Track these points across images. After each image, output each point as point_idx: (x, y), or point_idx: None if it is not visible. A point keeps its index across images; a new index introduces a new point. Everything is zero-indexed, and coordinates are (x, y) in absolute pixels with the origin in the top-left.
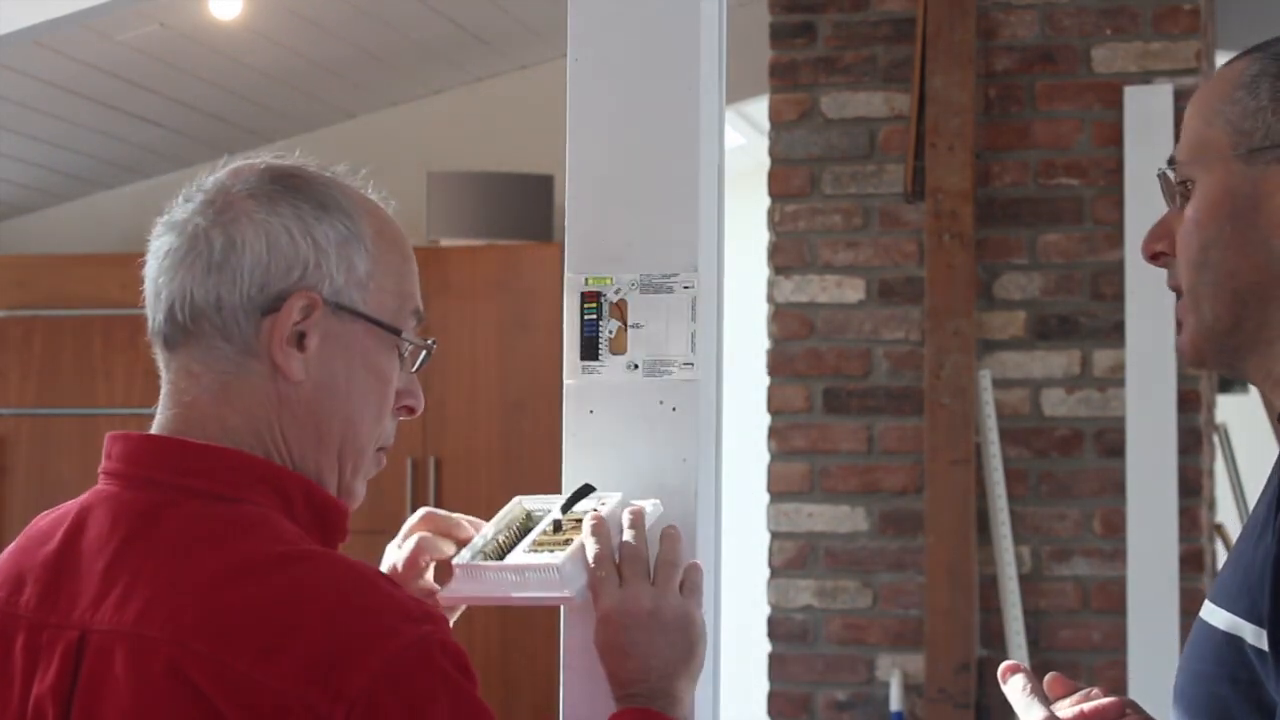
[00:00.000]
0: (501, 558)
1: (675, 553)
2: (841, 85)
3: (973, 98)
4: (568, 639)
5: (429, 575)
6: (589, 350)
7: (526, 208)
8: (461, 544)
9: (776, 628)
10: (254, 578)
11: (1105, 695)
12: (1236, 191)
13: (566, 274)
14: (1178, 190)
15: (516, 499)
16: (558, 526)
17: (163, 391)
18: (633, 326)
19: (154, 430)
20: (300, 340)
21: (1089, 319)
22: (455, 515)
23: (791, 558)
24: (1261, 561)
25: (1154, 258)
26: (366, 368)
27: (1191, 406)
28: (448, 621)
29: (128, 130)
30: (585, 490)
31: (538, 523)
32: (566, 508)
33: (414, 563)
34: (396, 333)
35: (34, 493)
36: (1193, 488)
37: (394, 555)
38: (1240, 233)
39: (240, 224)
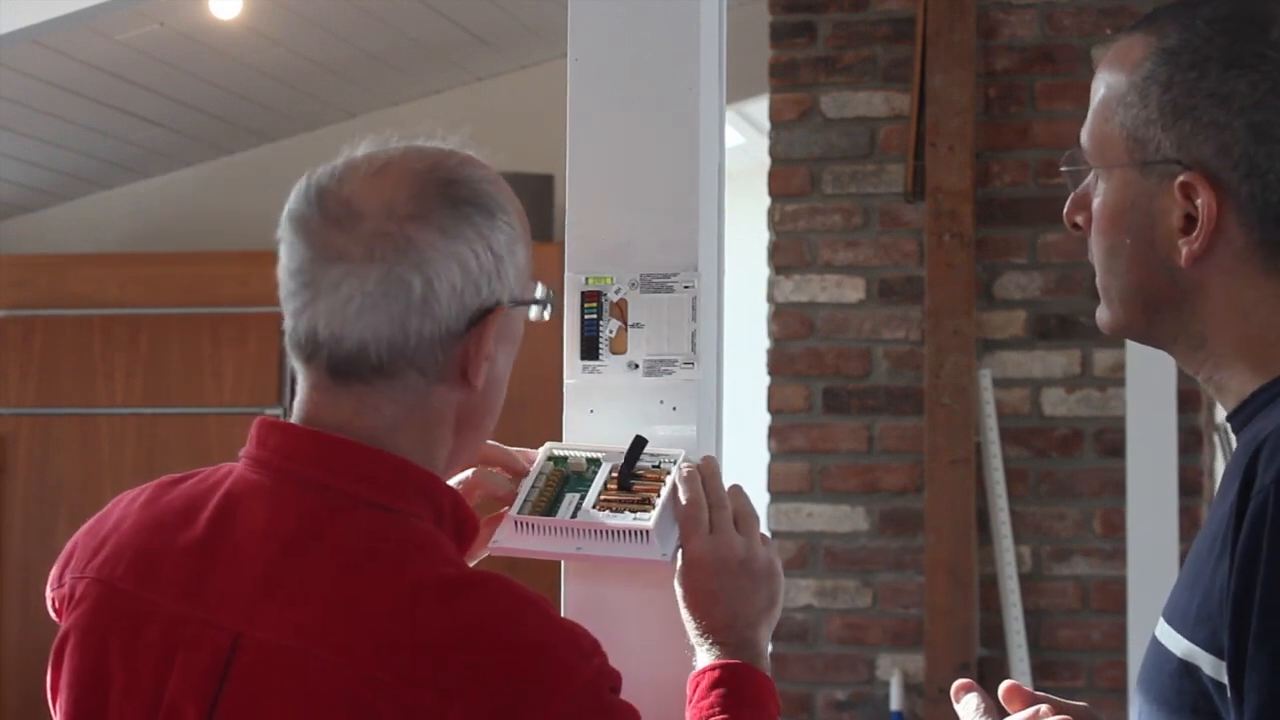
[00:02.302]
0: (551, 509)
1: (752, 505)
2: (841, 85)
3: (973, 97)
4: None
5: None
6: (589, 350)
7: (526, 208)
8: (516, 478)
9: (777, 627)
10: (433, 605)
11: (1054, 714)
12: (1134, 205)
13: (566, 274)
14: (1084, 173)
15: (547, 445)
16: (623, 484)
17: (314, 402)
18: (633, 326)
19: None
20: None
21: (1089, 319)
22: (510, 448)
23: (791, 557)
24: (1220, 589)
25: (1074, 226)
26: (513, 340)
27: (1191, 406)
28: (602, 647)
29: (128, 130)
30: (640, 443)
31: (573, 472)
32: (629, 464)
33: (467, 495)
34: (542, 302)
35: (34, 493)
36: (1193, 487)
37: None
38: (1140, 250)
39: (432, 261)
